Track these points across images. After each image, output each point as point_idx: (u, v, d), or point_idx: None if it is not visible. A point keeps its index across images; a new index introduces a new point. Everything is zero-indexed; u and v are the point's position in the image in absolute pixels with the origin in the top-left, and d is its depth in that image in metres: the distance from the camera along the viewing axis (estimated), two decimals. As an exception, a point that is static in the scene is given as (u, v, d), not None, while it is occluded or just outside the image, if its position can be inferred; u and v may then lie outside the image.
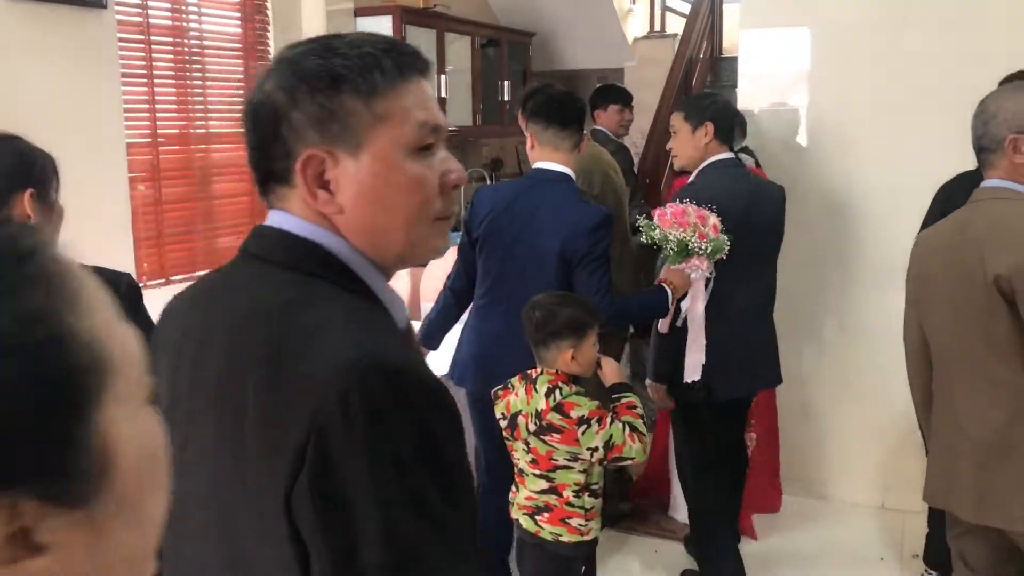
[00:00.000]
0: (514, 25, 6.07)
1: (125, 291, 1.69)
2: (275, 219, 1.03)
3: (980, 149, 2.21)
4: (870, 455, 3.93)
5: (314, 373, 0.87)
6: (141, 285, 3.72)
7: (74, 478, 0.46)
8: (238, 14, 4.26)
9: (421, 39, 4.95)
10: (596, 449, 2.26)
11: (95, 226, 3.51)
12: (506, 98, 5.78)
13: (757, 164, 3.96)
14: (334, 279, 1.00)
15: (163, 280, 3.90)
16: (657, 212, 2.77)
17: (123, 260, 3.65)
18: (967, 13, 3.61)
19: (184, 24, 3.97)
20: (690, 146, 3.09)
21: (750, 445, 3.78)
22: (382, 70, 0.99)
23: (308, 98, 0.98)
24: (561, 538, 2.33)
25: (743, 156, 3.89)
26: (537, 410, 2.29)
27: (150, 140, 3.83)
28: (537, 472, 2.32)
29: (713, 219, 2.74)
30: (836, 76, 3.90)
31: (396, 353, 0.91)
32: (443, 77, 5.09)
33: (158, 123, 3.87)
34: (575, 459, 2.29)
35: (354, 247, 1.01)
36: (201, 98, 4.08)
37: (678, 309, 2.91)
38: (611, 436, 2.25)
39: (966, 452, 2.20)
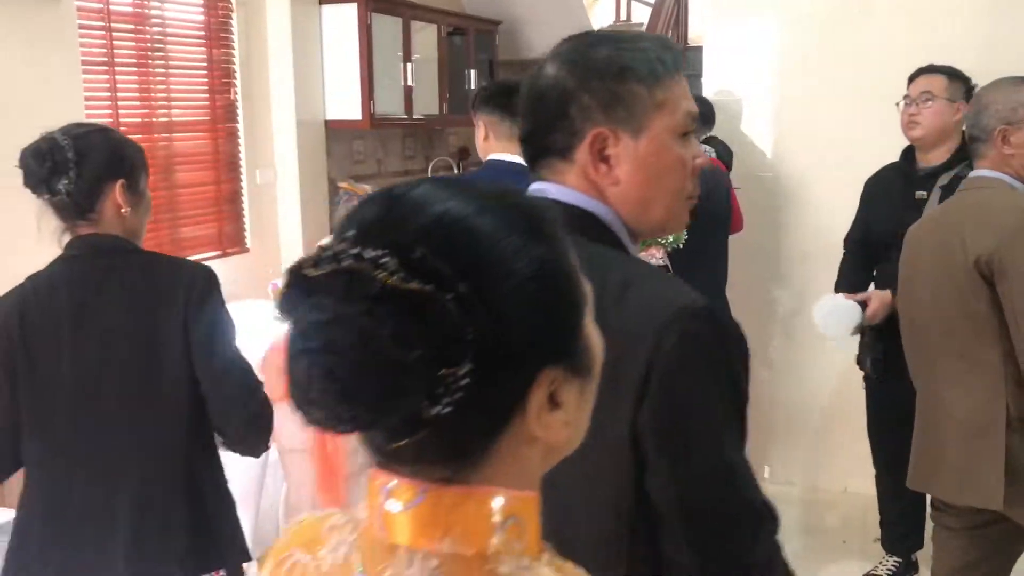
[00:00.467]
0: (480, 14, 6.04)
1: (202, 283, 1.79)
2: (547, 190, 1.17)
3: (971, 139, 2.29)
4: (831, 441, 3.99)
5: (642, 320, 1.02)
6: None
7: (581, 357, 0.72)
8: (201, 1, 4.20)
9: (387, 27, 4.92)
10: None
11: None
12: (473, 87, 5.76)
13: (719, 156, 3.98)
14: (604, 242, 1.15)
15: (126, 271, 3.85)
16: None
17: (85, 251, 3.60)
18: (929, 5, 3.66)
19: (146, 11, 3.91)
20: None
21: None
22: (663, 63, 1.13)
23: (599, 84, 1.12)
24: None
25: (705, 147, 3.92)
26: None
27: (112, 129, 3.78)
28: None
29: None
30: (799, 67, 3.94)
31: (705, 301, 1.07)
32: (409, 66, 5.06)
33: (120, 112, 3.81)
34: None
35: (617, 215, 1.17)
36: (164, 86, 4.03)
37: None
38: None
39: (950, 433, 2.26)
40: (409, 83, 5.06)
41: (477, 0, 6.21)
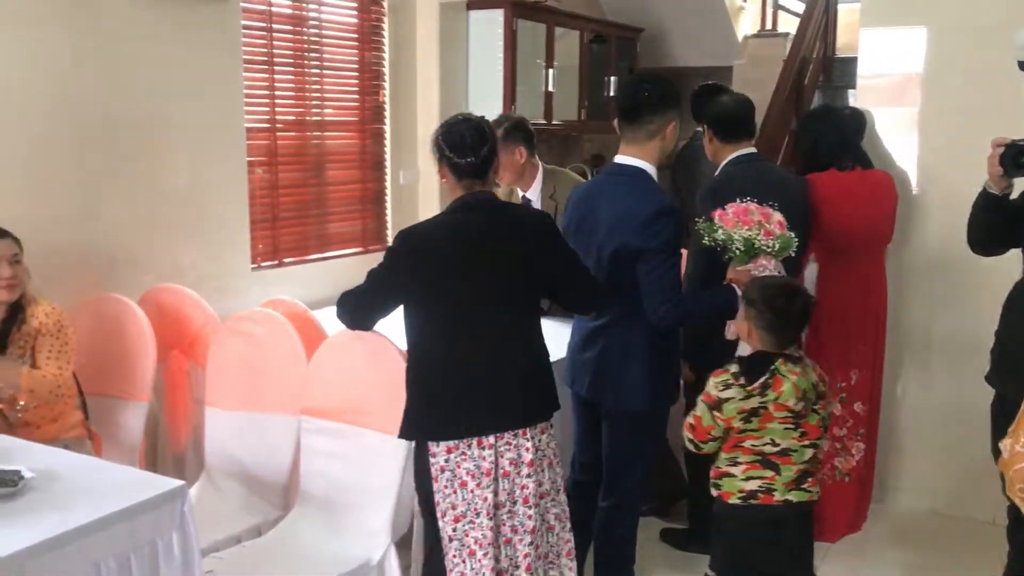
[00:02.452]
0: (623, 21, 6.04)
1: (550, 223, 2.50)
2: None
3: None
4: (987, 471, 3.78)
5: None
6: (254, 266, 3.87)
7: None
8: (355, 4, 4.35)
9: (530, 33, 4.98)
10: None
11: (215, 207, 3.64)
12: (612, 94, 5.76)
13: (865, 166, 3.84)
14: None
15: (276, 262, 4.02)
16: (718, 212, 2.72)
17: (239, 241, 3.78)
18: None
19: (304, 13, 4.08)
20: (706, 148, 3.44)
21: (857, 456, 3.69)
22: None
23: None
24: (816, 495, 2.47)
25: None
26: (812, 383, 2.40)
27: (269, 126, 3.95)
28: (807, 443, 2.41)
29: (777, 216, 2.68)
30: (953, 77, 3.77)
31: None
32: (550, 71, 5.10)
33: (277, 109, 3.98)
34: (823, 419, 2.45)
35: None
36: (318, 86, 4.19)
37: None
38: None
39: None
40: (550, 88, 5.10)
41: (620, 7, 6.21)
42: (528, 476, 2.33)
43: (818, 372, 2.46)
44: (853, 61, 4.25)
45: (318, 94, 4.20)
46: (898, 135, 3.97)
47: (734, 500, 2.42)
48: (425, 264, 2.36)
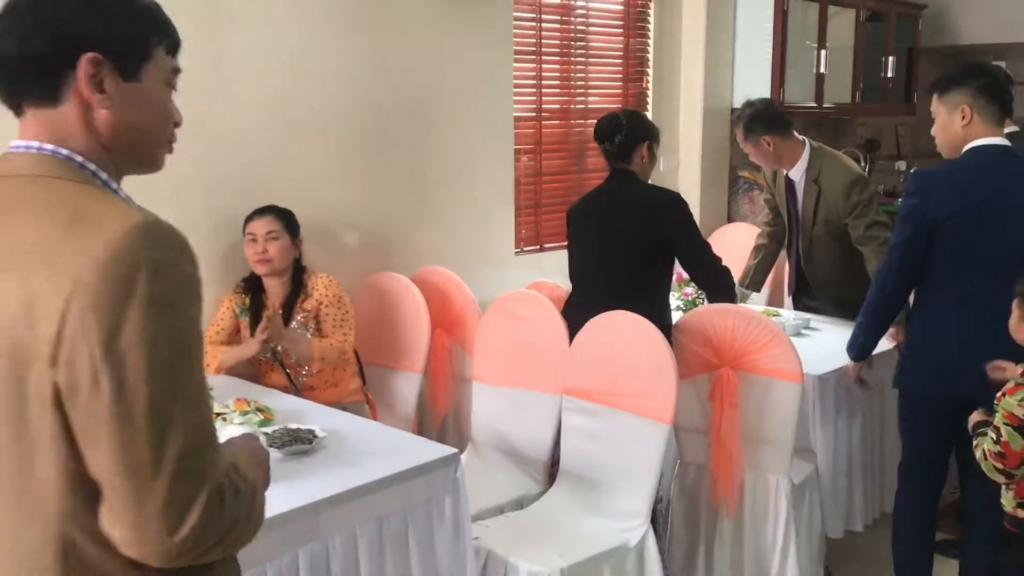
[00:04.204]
0: (903, -3, 5.65)
1: (683, 204, 2.90)
2: None
3: None
4: None
5: None
6: (517, 251, 3.99)
7: None
8: (622, -8, 4.37)
9: (801, 13, 4.77)
10: None
11: (483, 193, 3.79)
12: (890, 75, 5.41)
13: None
14: None
15: (537, 247, 4.13)
16: None
17: (504, 226, 3.91)
18: None
19: (572, 2, 4.15)
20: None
21: None
22: None
23: None
24: None
25: None
26: None
27: (535, 114, 4.05)
28: None
29: None
30: None
31: None
32: (823, 52, 4.86)
33: (543, 98, 4.08)
34: None
35: None
36: (583, 74, 4.25)
37: None
38: None
39: None
40: (821, 70, 4.87)
41: (900, -17, 5.80)
42: None
43: None
44: None
45: (582, 82, 4.26)
46: None
47: None
48: (571, 224, 3.10)
